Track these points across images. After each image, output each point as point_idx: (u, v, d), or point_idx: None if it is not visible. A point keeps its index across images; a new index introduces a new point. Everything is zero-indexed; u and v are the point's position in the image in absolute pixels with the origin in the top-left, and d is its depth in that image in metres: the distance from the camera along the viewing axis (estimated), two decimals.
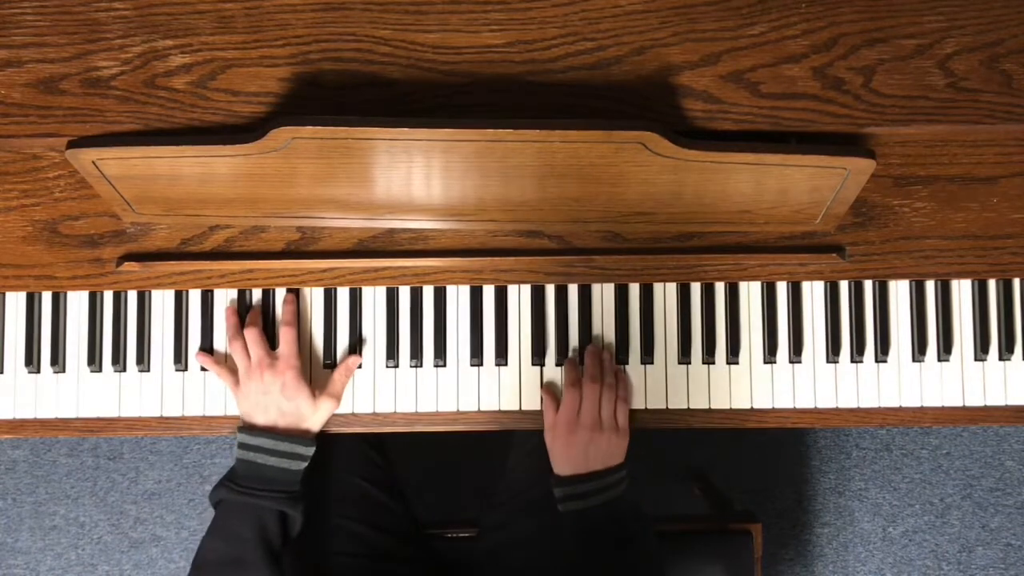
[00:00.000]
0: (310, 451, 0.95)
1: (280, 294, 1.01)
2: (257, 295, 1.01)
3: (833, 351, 1.01)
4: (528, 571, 1.03)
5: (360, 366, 1.01)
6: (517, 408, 1.01)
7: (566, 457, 0.95)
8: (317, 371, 1.01)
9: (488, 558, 1.09)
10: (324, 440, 1.00)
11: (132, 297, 1.02)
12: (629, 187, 0.90)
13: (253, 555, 0.90)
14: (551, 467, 0.97)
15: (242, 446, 0.94)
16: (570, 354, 1.01)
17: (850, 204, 0.93)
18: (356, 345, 1.01)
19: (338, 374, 0.99)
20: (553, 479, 0.96)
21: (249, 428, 0.95)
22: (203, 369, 1.01)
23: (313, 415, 0.97)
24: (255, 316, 1.00)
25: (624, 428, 0.97)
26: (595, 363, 0.99)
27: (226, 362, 1.00)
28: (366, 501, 1.09)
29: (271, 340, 1.00)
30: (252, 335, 0.97)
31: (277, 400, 0.95)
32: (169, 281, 1.00)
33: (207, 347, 1.01)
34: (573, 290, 1.01)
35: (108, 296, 1.02)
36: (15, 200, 0.99)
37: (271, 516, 0.92)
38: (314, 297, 1.02)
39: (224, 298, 1.02)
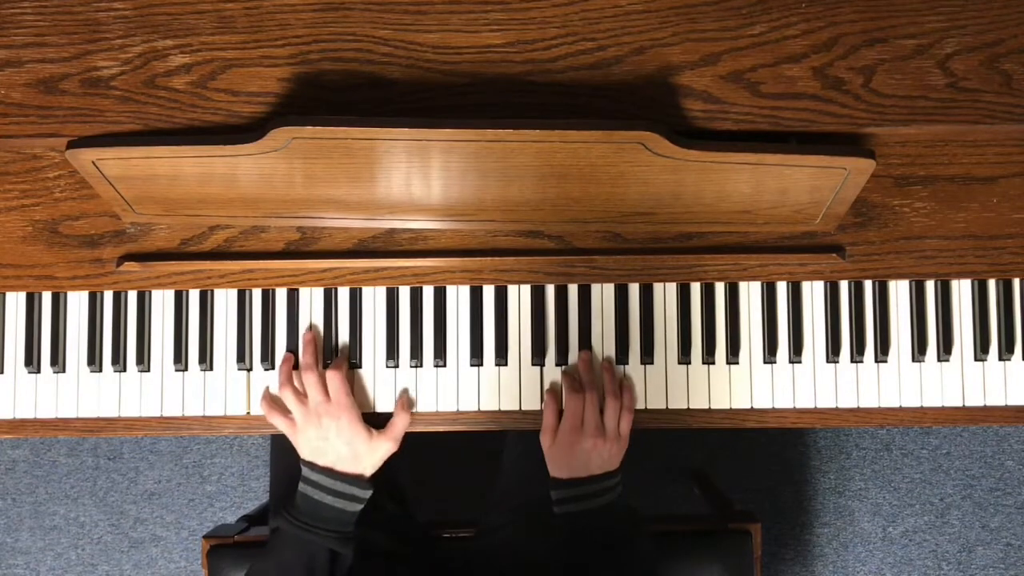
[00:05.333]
0: (367, 494, 0.95)
1: (280, 294, 1.01)
2: (257, 295, 1.02)
3: (833, 351, 1.01)
4: (523, 572, 1.03)
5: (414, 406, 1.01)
6: (517, 408, 1.01)
7: (567, 462, 0.95)
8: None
9: (484, 559, 1.09)
10: None
11: (132, 297, 1.02)
12: (629, 187, 0.90)
13: None
14: (546, 469, 0.97)
15: (304, 480, 0.96)
16: (570, 354, 1.01)
17: (850, 204, 0.93)
18: (357, 346, 1.01)
19: (398, 416, 0.99)
20: (551, 482, 0.96)
21: (311, 464, 0.96)
22: (203, 369, 1.01)
23: (369, 457, 0.97)
24: (310, 357, 0.98)
25: (625, 437, 0.97)
26: (588, 370, 0.99)
27: (280, 405, 0.99)
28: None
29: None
30: (310, 379, 0.96)
31: (335, 444, 0.95)
32: (169, 281, 1.00)
33: (206, 348, 1.01)
34: (573, 290, 1.01)
35: (108, 296, 1.02)
36: (15, 200, 0.99)
37: (321, 552, 0.93)
38: (314, 297, 1.02)
39: (224, 298, 1.02)
